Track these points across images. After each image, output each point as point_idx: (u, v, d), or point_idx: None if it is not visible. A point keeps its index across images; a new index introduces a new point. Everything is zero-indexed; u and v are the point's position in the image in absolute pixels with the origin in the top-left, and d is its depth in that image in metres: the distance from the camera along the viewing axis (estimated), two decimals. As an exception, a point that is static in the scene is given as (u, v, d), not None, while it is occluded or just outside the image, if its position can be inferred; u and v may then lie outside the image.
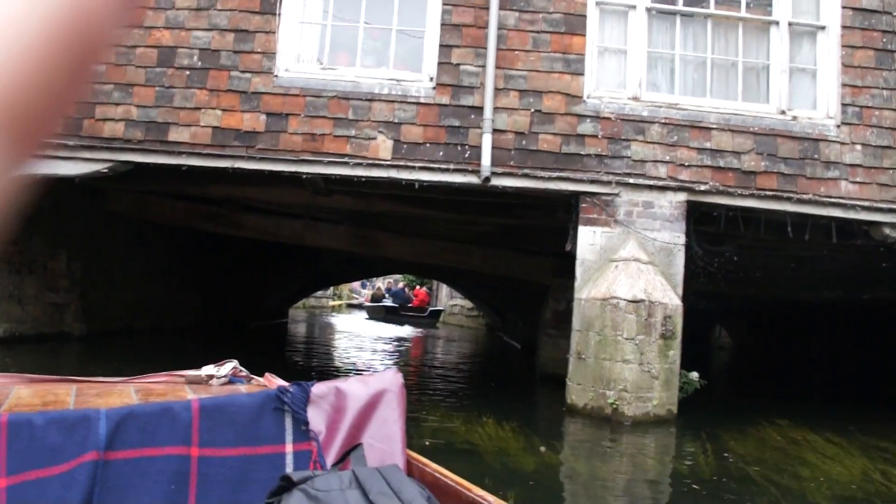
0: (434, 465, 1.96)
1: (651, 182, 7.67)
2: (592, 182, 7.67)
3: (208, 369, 2.35)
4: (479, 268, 12.44)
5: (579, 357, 7.41)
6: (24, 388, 2.08)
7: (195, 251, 14.75)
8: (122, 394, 2.12)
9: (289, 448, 2.01)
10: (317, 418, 2.03)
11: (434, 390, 9.76)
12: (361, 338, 20.02)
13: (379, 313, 30.59)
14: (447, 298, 33.83)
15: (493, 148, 7.57)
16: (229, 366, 2.37)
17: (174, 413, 1.93)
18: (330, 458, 2.01)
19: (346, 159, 7.66)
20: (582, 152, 7.68)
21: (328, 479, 1.69)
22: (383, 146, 7.67)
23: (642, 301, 7.06)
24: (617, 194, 7.69)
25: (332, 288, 41.29)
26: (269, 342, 16.36)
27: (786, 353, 16.16)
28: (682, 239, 7.68)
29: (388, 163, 7.65)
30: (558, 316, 10.79)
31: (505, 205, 9.76)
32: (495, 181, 7.61)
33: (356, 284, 49.12)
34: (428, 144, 7.67)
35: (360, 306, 39.33)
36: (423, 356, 16.79)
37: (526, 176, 7.65)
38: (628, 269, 7.34)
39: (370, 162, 7.66)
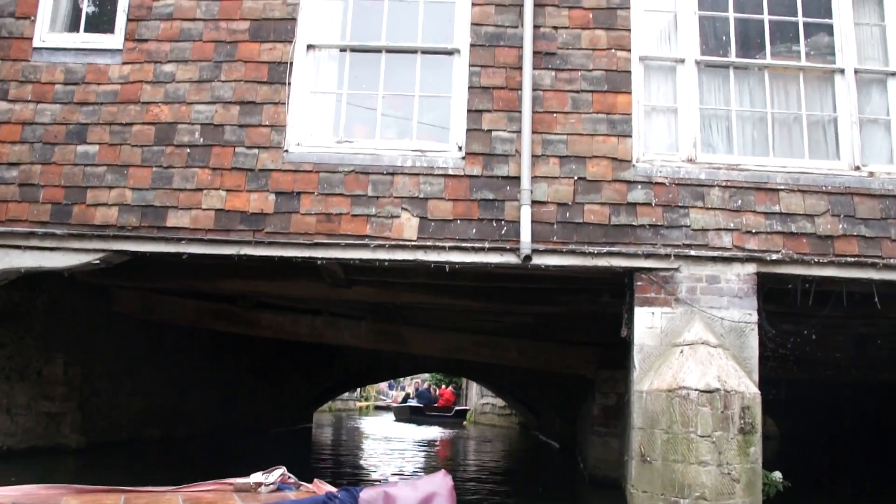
0: None
1: (715, 253, 6.70)
2: (648, 256, 6.72)
3: (256, 477, 2.30)
4: (516, 362, 11.42)
5: (643, 460, 6.30)
6: (73, 499, 2.00)
7: (210, 353, 13.90)
8: (169, 503, 2.01)
9: None
10: None
11: (474, 498, 8.60)
12: (390, 441, 18.83)
13: (404, 414, 30.25)
14: (477, 397, 32.88)
15: (533, 222, 6.67)
16: (277, 472, 2.31)
17: None
18: None
19: (366, 241, 6.78)
20: (634, 223, 6.76)
21: None
22: (408, 225, 6.80)
23: (717, 391, 6.00)
24: (677, 269, 6.72)
25: (358, 390, 40.32)
26: (293, 449, 15.18)
27: (843, 440, 14.81)
28: (753, 317, 6.66)
29: (413, 243, 6.76)
30: (607, 412, 9.70)
31: (544, 290, 8.85)
32: (537, 260, 6.68)
33: (384, 385, 48.11)
34: (459, 221, 6.79)
35: (387, 408, 38.60)
36: (458, 459, 15.54)
37: (572, 252, 6.71)
38: (696, 355, 6.30)
39: (393, 243, 6.77)
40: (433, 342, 11.19)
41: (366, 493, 2.15)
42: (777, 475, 6.60)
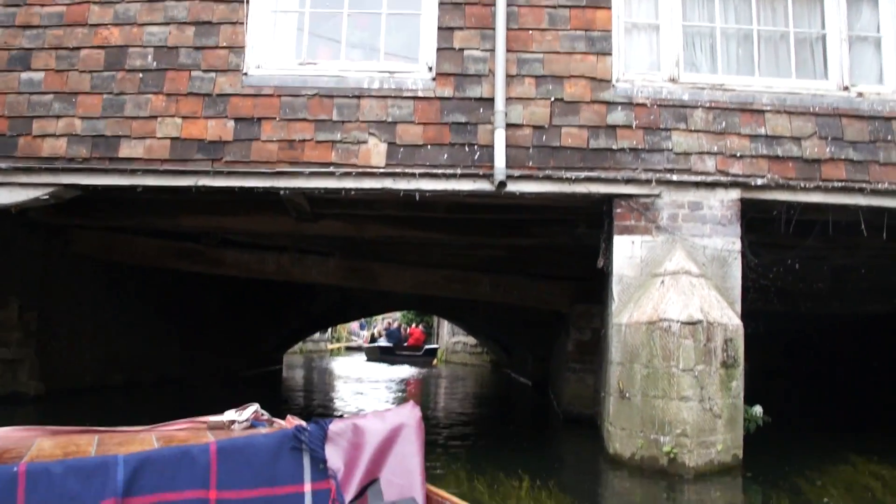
0: (454, 499, 1.95)
1: (698, 178, 6.41)
2: (628, 182, 6.40)
3: (230, 414, 2.31)
4: (488, 297, 11.12)
5: (622, 396, 6.08)
6: (46, 440, 2.03)
7: (177, 295, 13.45)
8: (143, 442, 2.06)
9: (307, 487, 1.95)
10: (335, 456, 1.98)
11: (447, 438, 8.38)
12: (361, 382, 18.63)
13: (374, 354, 30.00)
14: (449, 336, 32.73)
15: (508, 146, 6.31)
16: (250, 410, 2.32)
17: (192, 456, 1.88)
18: (349, 496, 1.97)
19: (331, 169, 6.39)
20: (614, 147, 6.43)
21: None
22: (375, 151, 6.41)
23: (699, 322, 5.75)
24: (658, 195, 6.42)
25: (329, 330, 40.05)
26: (263, 391, 14.86)
27: (822, 375, 14.81)
28: (737, 245, 6.40)
29: (381, 171, 6.38)
30: (582, 348, 9.47)
31: (517, 222, 8.53)
32: (512, 186, 6.33)
33: (355, 325, 47.85)
34: (429, 147, 6.42)
35: (359, 348, 38.44)
36: (429, 397, 15.37)
37: (548, 178, 6.38)
38: (678, 285, 6.04)
39: (361, 171, 6.39)
40: (403, 278, 10.85)
41: (335, 425, 2.09)
42: (758, 409, 6.43)
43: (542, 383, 16.36)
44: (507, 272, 10.98)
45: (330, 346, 40.25)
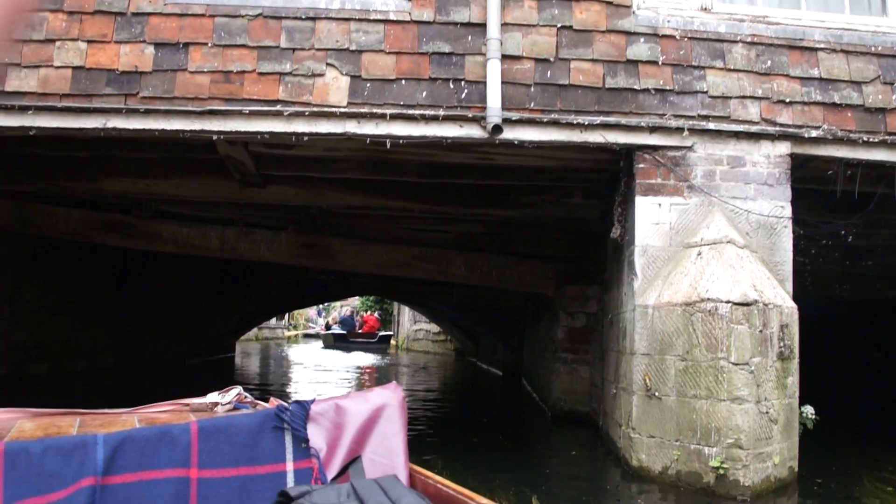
0: (436, 477, 1.89)
1: (739, 127, 5.16)
2: (654, 130, 5.12)
3: (213, 397, 2.27)
4: (463, 278, 9.77)
5: (649, 395, 4.81)
6: (28, 422, 2.03)
7: (113, 275, 11.97)
8: (125, 423, 2.05)
9: (289, 466, 1.95)
10: (317, 435, 1.98)
11: (414, 438, 7.03)
12: (317, 369, 17.27)
13: (329, 341, 29.97)
14: (410, 323, 31.69)
15: (505, 83, 5.01)
16: (234, 392, 2.29)
17: (173, 436, 1.88)
18: (331, 474, 1.96)
19: (278, 107, 5.01)
20: (636, 87, 5.15)
21: (326, 493, 1.63)
22: (335, 86, 5.03)
23: (755, 303, 4.49)
24: (690, 147, 5.15)
25: (287, 317, 38.71)
26: (210, 381, 13.38)
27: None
28: (787, 210, 5.17)
29: (342, 110, 5.02)
30: (575, 335, 8.21)
31: (501, 189, 7.27)
32: (509, 132, 5.01)
33: (312, 312, 46.52)
34: (404, 81, 5.07)
35: (317, 336, 37.74)
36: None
37: (555, 124, 5.06)
38: (723, 257, 4.77)
39: (316, 110, 5.01)
40: (367, 256, 9.47)
41: (317, 405, 2.02)
42: (809, 410, 5.21)
43: (514, 374, 15.18)
44: (485, 250, 9.66)
45: (287, 334, 39.00)
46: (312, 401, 2.07)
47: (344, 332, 30.74)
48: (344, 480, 1.87)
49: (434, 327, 26.82)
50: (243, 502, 1.91)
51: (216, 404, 2.30)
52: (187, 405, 2.33)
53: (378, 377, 16.35)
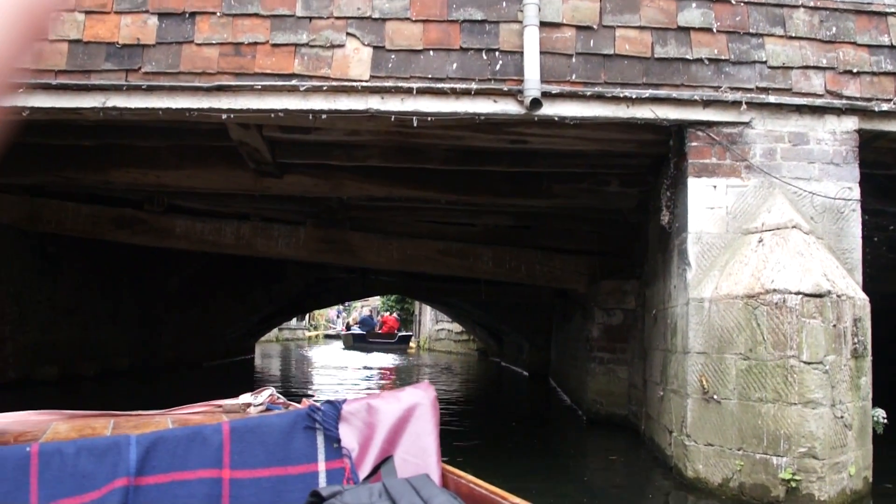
0: (469, 477, 1.87)
1: (802, 101, 4.66)
2: (708, 104, 4.62)
3: (245, 398, 2.29)
4: (490, 274, 9.30)
5: (707, 398, 4.31)
6: (63, 423, 2.06)
7: (127, 274, 11.63)
8: (158, 425, 2.07)
9: (321, 466, 1.96)
10: (349, 435, 1.98)
11: (446, 440, 6.58)
12: (340, 371, 16.90)
13: (348, 342, 30.01)
14: (432, 323, 31.36)
15: (543, 53, 4.53)
16: (266, 393, 2.30)
17: (205, 436, 1.90)
18: (363, 474, 1.94)
19: (294, 82, 4.55)
20: (688, 56, 4.66)
21: (358, 493, 1.63)
22: (356, 58, 4.57)
23: (827, 295, 3.98)
24: (748, 123, 4.65)
25: (307, 317, 38.49)
26: (228, 384, 13.02)
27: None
28: (855, 192, 4.66)
29: (365, 85, 4.55)
30: (612, 333, 7.72)
31: (532, 177, 6.84)
32: (549, 108, 4.53)
33: (332, 313, 46.27)
34: (432, 52, 4.60)
35: (337, 336, 37.58)
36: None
37: (599, 97, 4.57)
38: (788, 244, 4.27)
39: (335, 85, 4.55)
40: (389, 252, 9.01)
41: (349, 405, 2.00)
42: (880, 413, 4.69)
43: (541, 374, 14.70)
44: (513, 245, 9.19)
45: (307, 334, 38.78)
46: (344, 401, 2.06)
47: (363, 332, 30.57)
48: (376, 480, 1.85)
49: (456, 327, 26.43)
50: (275, 502, 1.91)
51: (248, 405, 2.31)
52: (220, 406, 2.35)
53: (399, 379, 15.91)
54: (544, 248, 9.27)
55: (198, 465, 1.88)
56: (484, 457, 5.76)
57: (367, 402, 2.05)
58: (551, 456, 6.42)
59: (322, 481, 1.95)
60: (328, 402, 2.05)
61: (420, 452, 1.99)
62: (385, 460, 1.96)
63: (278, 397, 2.35)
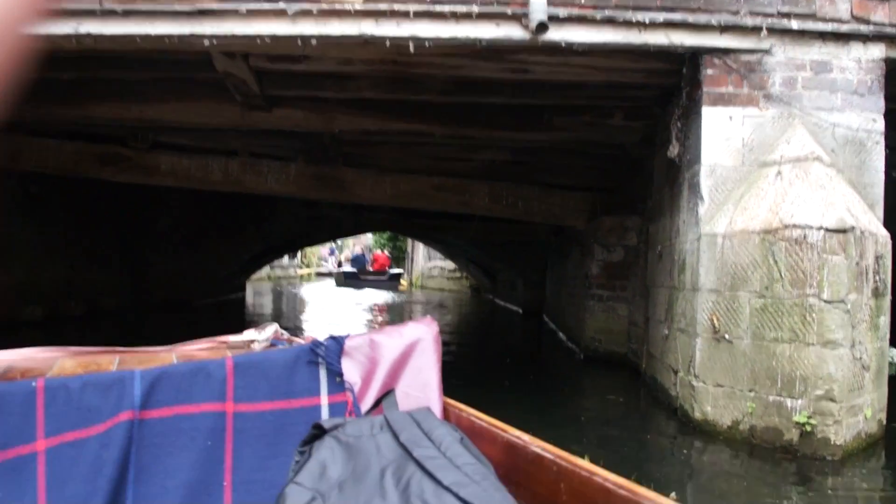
0: (471, 410, 1.89)
1: (826, 27, 4.37)
2: (725, 30, 4.34)
3: (250, 334, 2.24)
4: (487, 210, 9.07)
5: (718, 337, 4.14)
6: (69, 360, 2.02)
7: (114, 212, 11.36)
8: (163, 360, 2.09)
9: (324, 400, 1.98)
10: (351, 370, 2.00)
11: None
12: (332, 308, 16.79)
13: (339, 280, 30.20)
14: (424, 260, 31.31)
15: (549, -28, 4.21)
16: (270, 329, 2.27)
17: (208, 371, 1.93)
18: (365, 408, 1.95)
19: (281, 5, 4.24)
20: (704, -24, 4.35)
21: (359, 425, 1.65)
22: (349, -21, 4.26)
23: (851, 230, 3.78)
24: (767, 50, 4.38)
25: (299, 255, 38.33)
26: (219, 322, 12.86)
27: None
28: (878, 124, 4.43)
29: (357, 7, 4.25)
30: (611, 270, 7.54)
31: (533, 110, 6.54)
32: (555, 32, 4.24)
33: (324, 250, 46.11)
34: (430, -28, 4.28)
35: (329, 274, 37.57)
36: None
37: (610, 22, 4.29)
38: (809, 176, 4.04)
39: (326, 7, 4.24)
40: (383, 187, 8.75)
41: (351, 340, 2.00)
42: (895, 353, 4.55)
43: (535, 311, 14.60)
44: (510, 181, 8.94)
45: (299, 272, 38.66)
46: (347, 335, 2.04)
47: (354, 269, 30.65)
48: (378, 413, 1.85)
49: (449, 264, 26.33)
50: (278, 435, 1.92)
51: (253, 341, 2.27)
52: (225, 342, 2.30)
53: (391, 316, 15.81)
54: (542, 183, 9.03)
55: (202, 398, 1.92)
56: (478, 395, 5.59)
57: (369, 336, 2.06)
58: (546, 393, 6.28)
59: (325, 414, 1.97)
60: (331, 336, 2.06)
61: (422, 386, 2.01)
62: (387, 394, 1.98)
63: (282, 333, 2.34)
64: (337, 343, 2.04)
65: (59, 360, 2.06)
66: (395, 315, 16.03)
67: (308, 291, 25.34)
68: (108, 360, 2.12)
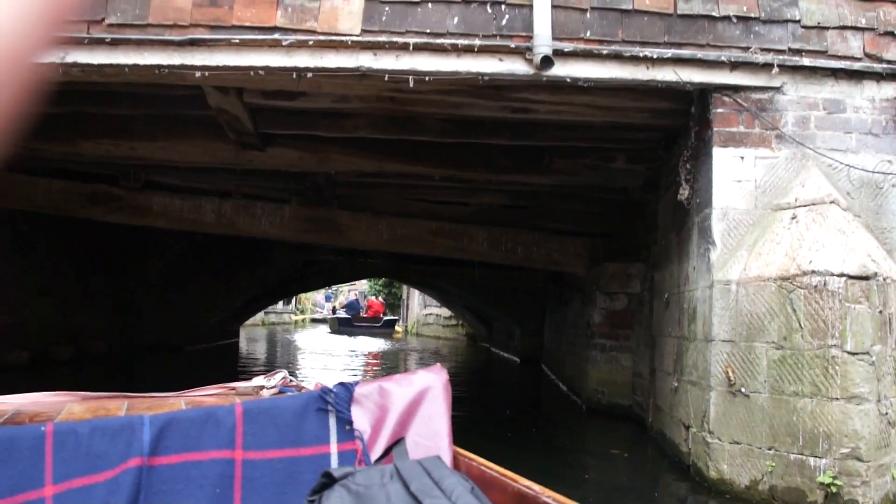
0: (480, 459, 1.90)
1: (839, 64, 4.21)
2: (736, 66, 4.18)
3: (258, 380, 2.32)
4: (485, 256, 8.86)
5: (733, 391, 3.90)
6: (77, 405, 2.07)
7: (103, 254, 11.14)
8: (172, 406, 2.08)
9: (333, 448, 1.97)
10: (361, 417, 2.00)
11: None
12: (327, 355, 16.48)
13: (334, 326, 30.09)
14: (420, 307, 31.05)
15: (555, 7, 4.07)
16: (279, 376, 2.33)
17: (218, 417, 1.92)
18: (374, 456, 1.95)
19: (276, 36, 4.07)
20: (714, 13, 4.21)
21: (369, 474, 1.65)
22: (346, 10, 4.10)
23: (874, 277, 3.56)
24: (779, 88, 4.22)
25: (294, 301, 38.07)
26: (210, 369, 12.55)
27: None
28: (895, 166, 4.23)
29: (355, 39, 4.08)
30: (615, 319, 7.30)
31: (533, 152, 6.40)
32: (560, 67, 4.07)
33: (319, 296, 45.88)
34: (430, 4, 4.13)
35: (324, 320, 37.51)
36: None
37: (616, 57, 4.12)
38: (827, 220, 3.84)
39: (322, 39, 4.07)
40: (378, 231, 8.54)
41: (361, 388, 2.00)
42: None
43: (533, 360, 14.31)
44: (508, 225, 8.75)
45: (294, 318, 38.38)
46: (357, 383, 2.05)
47: (349, 316, 30.52)
48: (387, 462, 1.85)
49: (445, 311, 26.08)
50: (287, 483, 1.90)
51: (261, 388, 2.30)
52: (233, 389, 2.34)
53: (387, 365, 15.50)
54: (541, 228, 8.84)
55: (211, 445, 1.88)
56: (477, 448, 5.32)
57: (379, 384, 2.05)
58: (549, 447, 6.00)
59: (334, 463, 1.95)
60: (341, 384, 2.05)
61: (432, 435, 1.98)
62: (397, 442, 1.96)
63: (291, 380, 2.37)
64: (347, 390, 2.02)
65: (67, 405, 2.07)
66: (388, 365, 15.71)
67: (302, 338, 25.01)
68: (117, 406, 2.11)
